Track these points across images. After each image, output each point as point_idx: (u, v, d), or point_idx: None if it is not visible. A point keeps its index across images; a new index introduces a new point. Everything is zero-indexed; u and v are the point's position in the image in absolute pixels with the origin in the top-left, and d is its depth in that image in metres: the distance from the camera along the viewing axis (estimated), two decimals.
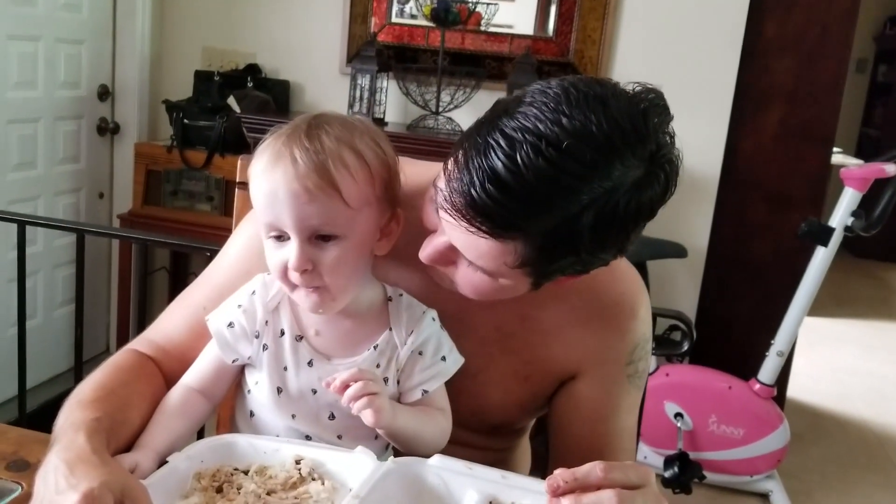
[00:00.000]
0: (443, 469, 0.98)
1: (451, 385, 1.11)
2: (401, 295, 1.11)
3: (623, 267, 1.17)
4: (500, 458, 1.27)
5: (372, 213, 1.03)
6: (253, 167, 1.01)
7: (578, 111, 0.86)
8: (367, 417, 0.97)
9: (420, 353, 1.08)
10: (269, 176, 0.98)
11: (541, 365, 1.15)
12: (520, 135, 0.86)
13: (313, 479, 0.97)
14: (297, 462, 0.99)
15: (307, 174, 0.96)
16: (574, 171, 0.85)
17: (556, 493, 0.87)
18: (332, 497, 0.95)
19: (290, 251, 0.98)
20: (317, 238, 0.99)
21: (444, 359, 1.09)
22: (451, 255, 0.99)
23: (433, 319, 1.10)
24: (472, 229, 0.90)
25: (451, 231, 0.95)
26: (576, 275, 1.00)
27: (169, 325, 1.18)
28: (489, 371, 1.15)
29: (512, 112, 0.89)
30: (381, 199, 1.03)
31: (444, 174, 0.93)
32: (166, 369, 1.14)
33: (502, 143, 0.87)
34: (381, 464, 0.97)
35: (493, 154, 0.87)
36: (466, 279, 1.00)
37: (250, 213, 1.22)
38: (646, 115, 0.89)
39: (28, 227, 2.04)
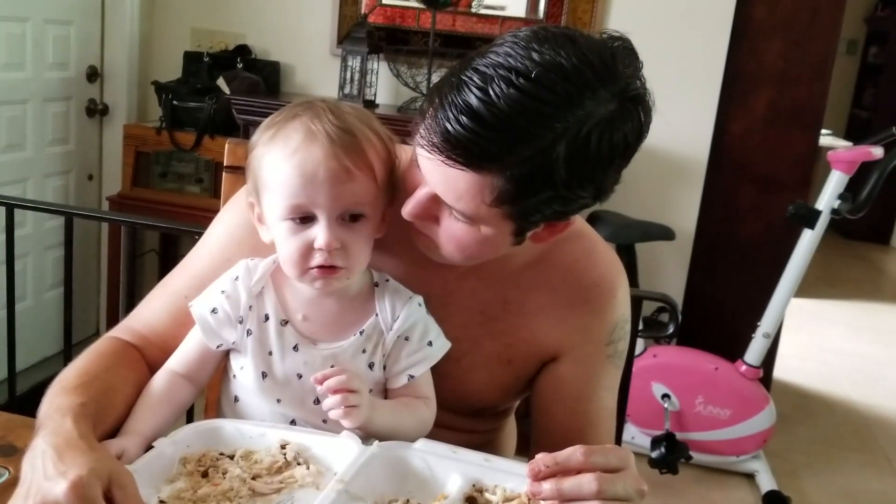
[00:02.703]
0: (427, 453, 0.99)
1: (435, 369, 1.13)
2: (387, 280, 1.12)
3: (601, 249, 1.19)
4: (485, 440, 1.29)
5: (386, 195, 1.05)
6: (272, 152, 1.01)
7: (548, 47, 0.89)
8: (344, 423, 0.99)
9: (406, 339, 1.09)
10: (304, 155, 0.98)
11: (523, 348, 1.17)
12: (491, 70, 0.89)
13: (298, 464, 0.99)
14: (283, 447, 1.01)
15: (346, 153, 0.98)
16: (546, 100, 0.87)
17: (538, 477, 0.88)
18: (318, 481, 0.96)
19: (319, 231, 1.00)
20: (344, 218, 1.01)
21: (430, 344, 1.10)
22: (432, 207, 0.99)
23: (419, 305, 1.11)
24: (449, 163, 0.91)
25: (429, 175, 0.96)
26: (557, 220, 1.00)
27: (149, 313, 1.19)
28: (473, 355, 1.16)
29: (484, 53, 0.92)
30: (389, 181, 1.06)
31: (422, 117, 0.95)
32: (148, 356, 1.15)
33: (475, 78, 0.89)
34: (366, 448, 0.98)
35: (466, 89, 0.89)
36: (449, 233, 1.00)
37: (231, 201, 1.23)
38: (614, 55, 0.93)
39: (17, 210, 2.04)
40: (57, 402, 0.97)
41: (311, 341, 1.08)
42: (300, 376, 1.07)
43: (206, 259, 1.19)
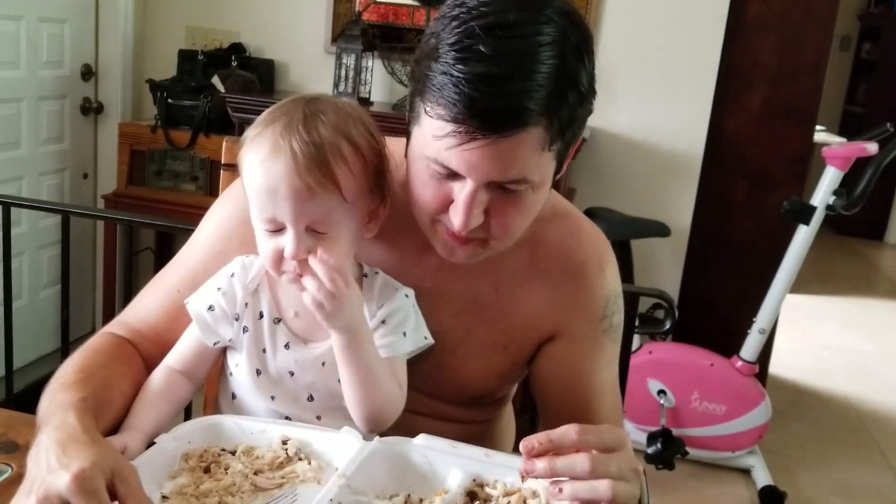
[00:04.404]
0: (427, 448, 0.99)
1: (431, 360, 1.13)
2: (377, 273, 1.12)
3: (587, 227, 1.20)
4: (483, 431, 1.29)
5: (364, 203, 1.04)
6: (247, 156, 1.01)
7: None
8: (317, 316, 0.98)
9: (383, 322, 1.08)
10: (268, 168, 0.98)
11: (518, 332, 1.17)
12: (466, 41, 0.90)
13: (300, 459, 0.99)
14: (284, 442, 1.01)
15: (309, 169, 0.97)
16: (533, 33, 0.91)
17: (532, 453, 0.88)
18: (319, 476, 0.97)
19: (287, 240, 0.99)
20: (313, 228, 1.00)
21: (405, 334, 1.08)
22: (483, 199, 0.97)
23: (406, 296, 1.11)
24: (505, 133, 0.91)
25: (478, 168, 0.94)
26: (582, 127, 1.02)
27: (143, 308, 1.19)
28: (468, 344, 1.17)
29: (438, 44, 0.93)
30: (373, 187, 1.05)
31: (435, 131, 0.94)
32: (143, 351, 1.15)
33: (459, 56, 0.90)
34: (367, 443, 0.99)
35: (463, 69, 0.90)
36: (511, 215, 1.00)
37: (224, 195, 1.23)
38: None
39: (13, 208, 2.03)
40: (57, 399, 0.97)
41: (302, 341, 1.08)
42: (292, 374, 1.07)
43: (199, 253, 1.19)
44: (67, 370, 1.05)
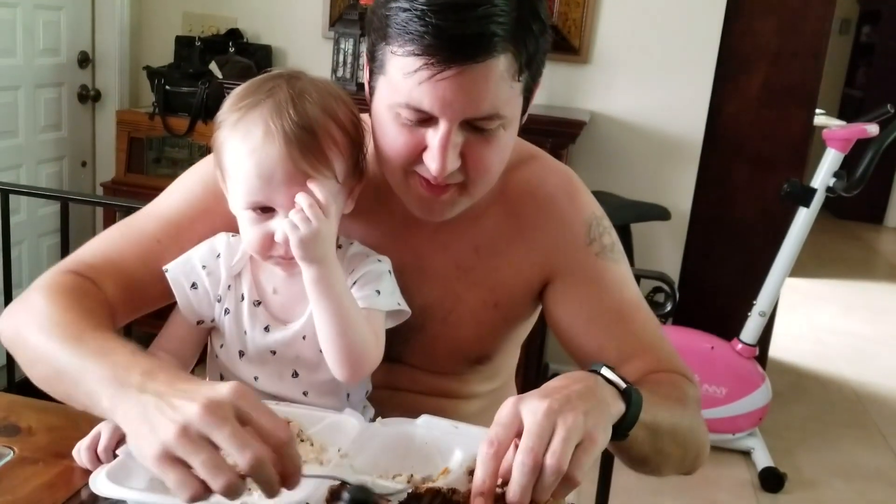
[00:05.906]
0: (429, 428, 1.00)
1: (425, 333, 1.14)
2: (351, 243, 1.12)
3: (550, 163, 1.20)
4: (484, 408, 1.27)
5: (349, 182, 1.05)
6: (232, 141, 1.00)
7: None
8: (293, 242, 0.96)
9: (354, 282, 1.07)
10: (262, 155, 0.97)
11: (506, 287, 1.16)
12: None
13: (301, 441, 0.99)
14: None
15: (303, 155, 0.97)
16: None
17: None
18: (321, 457, 0.97)
19: (278, 224, 0.99)
20: None
21: (378, 293, 1.07)
22: (458, 142, 0.97)
23: (379, 261, 1.10)
24: (478, 59, 0.91)
25: (452, 103, 0.94)
26: (541, 68, 1.02)
27: (111, 249, 1.12)
28: (458, 310, 1.16)
29: None
30: (356, 165, 1.05)
31: (406, 67, 0.93)
32: (105, 291, 1.07)
33: None
34: (369, 425, 0.99)
35: (426, 4, 0.90)
36: (489, 155, 1.00)
37: (209, 156, 1.21)
38: None
39: (11, 196, 2.03)
40: (92, 346, 0.89)
41: (282, 322, 1.08)
42: (274, 353, 1.08)
43: (182, 206, 1.15)
44: (63, 317, 0.97)
